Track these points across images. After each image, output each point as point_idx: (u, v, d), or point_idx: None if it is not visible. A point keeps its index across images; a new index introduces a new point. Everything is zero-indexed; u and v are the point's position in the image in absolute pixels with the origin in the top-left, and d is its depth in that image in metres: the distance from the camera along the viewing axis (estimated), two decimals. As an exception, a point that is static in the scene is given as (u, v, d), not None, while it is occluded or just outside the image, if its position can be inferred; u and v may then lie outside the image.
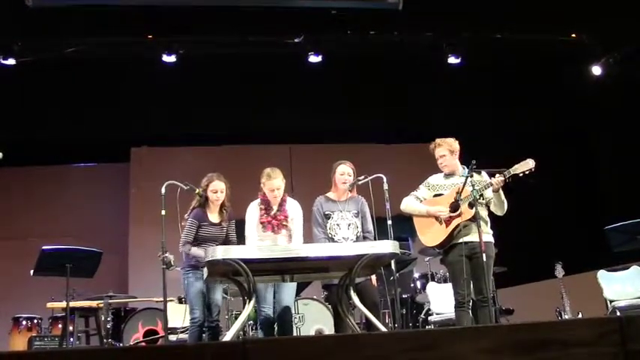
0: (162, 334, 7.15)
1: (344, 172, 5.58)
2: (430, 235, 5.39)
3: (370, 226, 5.60)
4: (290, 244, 5.39)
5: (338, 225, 5.51)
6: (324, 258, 4.86)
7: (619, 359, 2.35)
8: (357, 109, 10.35)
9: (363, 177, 5.53)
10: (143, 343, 7.20)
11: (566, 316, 6.91)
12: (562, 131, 10.68)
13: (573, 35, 9.13)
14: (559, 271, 7.12)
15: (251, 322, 6.60)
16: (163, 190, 5.52)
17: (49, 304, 7.54)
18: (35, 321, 7.82)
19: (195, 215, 5.53)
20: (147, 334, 7.38)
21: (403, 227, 6.05)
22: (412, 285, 8.06)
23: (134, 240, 10.29)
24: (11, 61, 8.44)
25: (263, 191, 5.55)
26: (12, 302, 8.73)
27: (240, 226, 5.66)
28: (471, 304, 5.26)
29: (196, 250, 5.39)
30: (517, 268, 7.96)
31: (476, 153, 5.32)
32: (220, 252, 4.69)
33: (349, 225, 5.52)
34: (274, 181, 5.48)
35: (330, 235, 5.47)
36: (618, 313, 6.43)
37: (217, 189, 5.55)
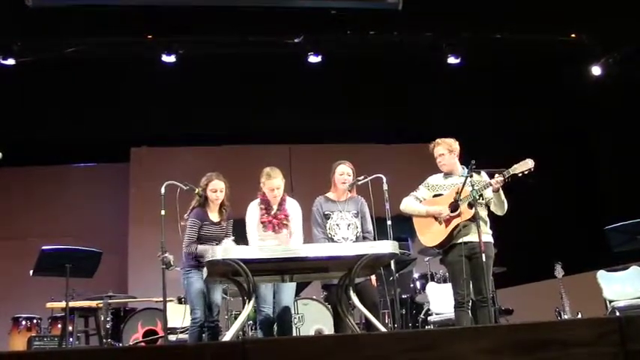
0: (161, 334, 7.15)
1: (343, 172, 5.58)
2: (430, 235, 5.39)
3: (370, 227, 5.59)
4: (290, 245, 5.39)
5: (337, 225, 5.51)
6: (324, 258, 4.86)
7: (619, 359, 2.35)
8: (357, 109, 10.35)
9: (362, 177, 5.53)
10: (143, 343, 7.20)
11: (566, 317, 6.91)
12: (562, 131, 10.68)
13: (573, 35, 9.14)
14: (559, 271, 7.12)
15: (250, 322, 6.60)
16: (163, 190, 5.52)
17: (49, 304, 7.54)
18: (35, 321, 7.82)
19: (197, 215, 5.53)
20: (146, 334, 7.38)
21: (403, 227, 6.05)
22: (412, 285, 8.07)
23: (134, 240, 10.29)
24: (11, 61, 8.44)
25: (262, 191, 5.55)
26: (11, 302, 8.73)
27: (239, 225, 5.66)
28: (470, 304, 5.26)
29: (202, 247, 5.39)
30: (517, 268, 7.96)
31: (476, 153, 5.32)
32: (220, 252, 4.69)
33: (349, 225, 5.52)
34: (274, 181, 5.48)
35: (329, 235, 5.47)
36: (618, 314, 6.43)
37: (217, 188, 5.55)
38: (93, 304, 7.41)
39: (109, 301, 7.42)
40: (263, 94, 9.89)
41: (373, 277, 5.57)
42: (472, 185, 5.11)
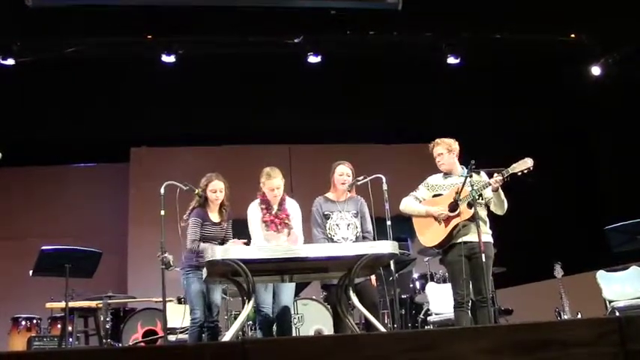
0: (161, 334, 7.15)
1: (343, 172, 5.58)
2: (429, 235, 5.39)
3: (369, 227, 5.59)
4: (289, 245, 5.38)
5: (337, 225, 5.51)
6: (324, 258, 4.86)
7: (619, 359, 2.35)
8: (357, 109, 10.35)
9: (362, 177, 5.53)
10: (142, 344, 7.20)
11: (566, 317, 6.91)
12: (562, 131, 10.68)
13: (573, 35, 9.14)
14: (558, 271, 7.12)
15: (250, 322, 6.59)
16: (163, 191, 5.51)
17: (48, 305, 7.53)
18: (34, 321, 7.81)
19: (197, 214, 5.54)
20: (146, 334, 7.38)
21: (402, 228, 6.05)
22: (411, 285, 8.06)
23: (133, 240, 10.29)
24: (11, 61, 8.44)
25: (262, 191, 5.55)
26: (11, 302, 8.72)
27: (239, 225, 5.65)
28: (470, 304, 5.26)
29: (205, 245, 5.39)
30: (516, 268, 7.96)
31: (476, 153, 5.32)
32: (220, 252, 4.69)
33: (348, 225, 5.52)
34: (274, 181, 5.48)
35: (329, 236, 5.47)
36: (617, 314, 6.42)
37: (217, 188, 5.55)
38: (92, 304, 7.41)
39: (109, 301, 7.41)
40: (263, 94, 9.90)
41: (373, 278, 5.56)
42: (471, 185, 5.11)
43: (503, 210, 5.32)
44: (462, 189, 5.19)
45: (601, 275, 6.85)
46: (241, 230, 5.60)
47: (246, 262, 4.69)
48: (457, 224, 5.22)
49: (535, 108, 10.27)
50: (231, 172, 6.32)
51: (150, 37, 8.72)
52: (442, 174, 5.52)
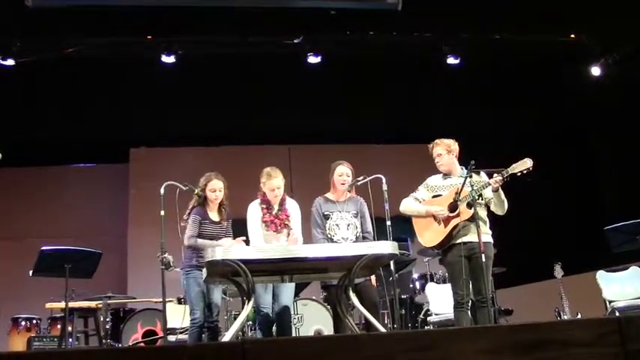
0: (161, 334, 7.14)
1: (342, 172, 5.58)
2: (429, 235, 5.39)
3: (369, 227, 5.59)
4: (289, 245, 5.38)
5: (337, 225, 5.51)
6: (323, 258, 4.86)
7: (619, 359, 2.35)
8: (357, 109, 10.36)
9: (362, 177, 5.53)
10: (142, 344, 7.20)
11: (565, 317, 6.91)
12: (562, 131, 10.68)
13: (573, 36, 9.14)
14: (558, 271, 7.12)
15: (250, 322, 6.59)
16: (162, 191, 5.51)
17: (48, 305, 7.53)
18: (34, 321, 7.81)
19: (197, 212, 5.55)
20: (146, 334, 7.37)
21: (402, 228, 6.05)
22: (411, 285, 8.06)
23: (133, 240, 10.28)
24: (10, 62, 8.44)
25: (263, 191, 5.56)
26: (11, 303, 8.71)
27: (238, 225, 5.65)
28: (470, 304, 5.26)
29: (203, 241, 5.40)
30: (516, 268, 7.96)
31: (476, 153, 5.32)
32: (219, 252, 4.69)
33: (348, 225, 5.51)
34: (274, 181, 5.48)
35: (329, 236, 5.47)
36: (617, 314, 6.43)
37: (216, 188, 5.55)
38: (92, 304, 7.41)
39: (109, 301, 7.41)
40: (263, 94, 9.90)
41: (373, 278, 5.56)
42: (471, 185, 5.12)
43: (503, 210, 5.32)
44: (461, 189, 5.20)
45: (601, 275, 6.85)
46: (241, 230, 5.60)
47: (246, 262, 4.69)
48: (457, 224, 5.22)
49: (535, 108, 10.28)
50: (231, 172, 6.31)
51: (150, 37, 8.72)
52: (442, 174, 5.52)
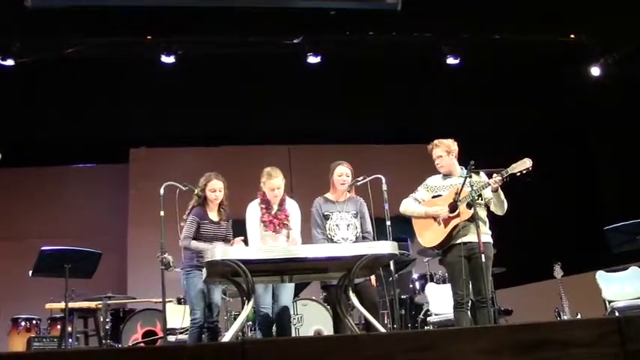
0: (161, 334, 7.14)
1: (342, 172, 5.58)
2: (429, 235, 5.39)
3: (369, 227, 5.60)
4: (289, 245, 5.38)
5: (337, 225, 5.51)
6: (323, 258, 4.86)
7: (619, 359, 2.35)
8: (357, 110, 10.35)
9: (361, 178, 5.53)
10: (142, 344, 7.20)
11: (565, 317, 6.91)
12: (562, 131, 10.68)
13: (572, 36, 9.14)
14: (558, 271, 7.12)
15: (250, 322, 6.59)
16: (162, 191, 5.51)
17: (48, 305, 7.53)
18: (34, 322, 7.80)
19: (196, 213, 5.54)
20: (146, 334, 7.37)
21: (402, 228, 6.05)
22: (411, 286, 8.06)
23: (133, 241, 10.28)
24: (10, 62, 8.43)
25: (263, 191, 5.56)
26: (11, 303, 8.70)
27: (238, 226, 5.65)
28: (469, 304, 5.26)
29: (197, 243, 5.40)
30: (516, 268, 7.96)
31: (476, 153, 5.32)
32: (219, 253, 4.69)
33: (348, 225, 5.51)
34: (274, 181, 5.48)
35: (329, 236, 5.47)
36: (617, 314, 6.42)
37: (216, 188, 5.55)
38: (92, 304, 7.40)
39: (109, 301, 7.40)
40: (262, 94, 9.90)
41: (372, 278, 5.56)
42: (471, 185, 5.12)
43: (503, 210, 5.32)
44: (461, 189, 5.20)
45: (600, 275, 6.84)
46: (241, 230, 5.60)
47: (245, 262, 4.69)
48: (457, 225, 5.22)
49: (535, 108, 10.27)
50: (231, 172, 6.31)
51: (149, 37, 8.72)
52: (441, 175, 5.51)
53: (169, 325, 6.51)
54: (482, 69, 9.78)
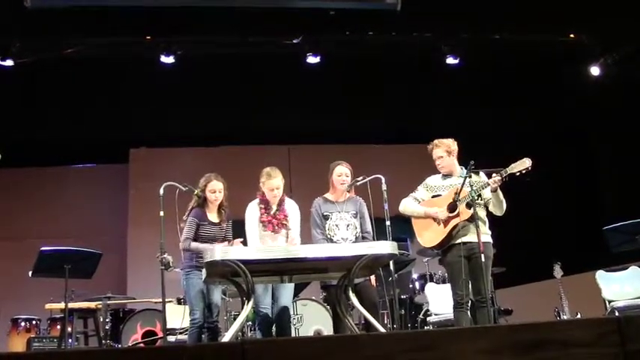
0: (160, 335, 7.14)
1: (341, 172, 5.58)
2: (428, 235, 5.39)
3: (369, 227, 5.59)
4: (289, 245, 5.38)
5: (337, 226, 5.50)
6: (323, 259, 4.86)
7: (619, 359, 2.35)
8: (357, 110, 10.35)
9: (361, 178, 5.52)
10: (142, 344, 7.19)
11: (565, 317, 6.91)
12: (562, 131, 10.68)
13: (572, 35, 9.14)
14: (558, 271, 7.12)
15: (249, 322, 6.59)
16: (162, 191, 5.51)
17: (48, 305, 7.53)
18: (34, 322, 7.80)
19: (195, 214, 5.54)
20: (145, 335, 7.36)
21: (402, 228, 6.05)
22: (411, 286, 8.06)
23: (133, 241, 10.28)
24: (9, 62, 8.43)
25: (262, 191, 5.55)
26: (11, 303, 8.71)
27: (237, 226, 5.65)
28: (469, 304, 5.26)
29: (197, 244, 5.40)
30: (516, 268, 7.96)
31: (476, 153, 5.32)
32: (219, 253, 4.69)
33: (348, 225, 5.51)
34: (274, 181, 5.48)
35: (329, 236, 5.47)
36: (617, 314, 6.42)
37: (216, 189, 5.55)
38: (92, 305, 7.40)
39: (108, 302, 7.40)
40: (262, 94, 9.90)
41: (372, 278, 5.56)
42: (470, 185, 5.12)
43: (502, 211, 5.32)
44: (461, 189, 5.20)
45: (600, 275, 6.84)
46: (240, 231, 5.60)
47: (245, 262, 4.68)
48: (456, 225, 5.22)
49: (535, 108, 10.27)
50: (231, 172, 6.32)
51: (149, 37, 8.72)
52: (441, 175, 5.51)
53: (169, 326, 6.51)
54: (483, 69, 9.78)
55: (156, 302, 7.12)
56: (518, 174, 5.07)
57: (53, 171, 10.88)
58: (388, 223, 5.44)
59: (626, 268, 6.89)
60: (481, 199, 5.29)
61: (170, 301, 6.93)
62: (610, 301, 6.66)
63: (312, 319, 7.01)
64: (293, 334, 6.24)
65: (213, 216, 5.60)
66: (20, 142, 9.46)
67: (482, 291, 5.12)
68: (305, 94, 9.96)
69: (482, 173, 5.31)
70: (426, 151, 5.55)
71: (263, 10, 8.28)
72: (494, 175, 5.15)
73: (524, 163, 5.07)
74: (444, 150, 5.45)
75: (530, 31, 8.84)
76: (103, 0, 8.03)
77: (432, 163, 5.52)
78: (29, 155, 10.09)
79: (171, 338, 6.75)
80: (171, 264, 5.48)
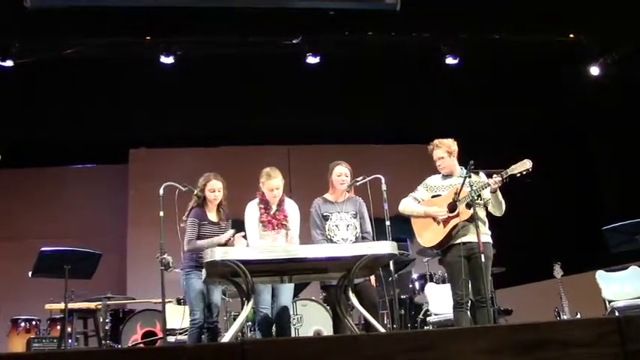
0: (160, 335, 7.13)
1: (341, 173, 5.58)
2: (428, 235, 5.39)
3: (368, 227, 5.59)
4: (289, 245, 5.38)
5: (337, 226, 5.50)
6: (323, 259, 4.86)
7: (619, 359, 2.35)
8: (356, 110, 10.35)
9: (361, 178, 5.52)
10: (141, 345, 7.19)
11: (565, 317, 6.91)
12: (562, 131, 10.68)
13: (571, 35, 9.14)
14: (557, 271, 7.12)
15: (249, 323, 6.59)
16: (161, 192, 5.51)
17: (48, 306, 7.53)
18: (34, 322, 7.80)
19: (195, 214, 5.54)
20: (145, 335, 7.36)
21: (402, 228, 6.05)
22: (411, 286, 8.06)
23: (132, 241, 10.28)
24: (9, 63, 8.43)
25: (262, 191, 5.55)
26: (10, 304, 8.71)
27: (237, 226, 5.65)
28: (469, 304, 5.26)
29: (202, 241, 5.40)
30: (516, 268, 7.95)
31: (475, 153, 5.32)
32: (219, 253, 4.69)
33: (348, 226, 5.51)
34: (274, 181, 5.48)
35: (329, 237, 5.46)
36: (617, 314, 6.42)
37: (215, 188, 5.55)
38: (92, 305, 7.40)
39: (108, 302, 7.40)
40: (261, 94, 9.90)
41: (372, 278, 5.56)
42: (470, 186, 5.12)
43: (501, 211, 5.32)
44: (460, 189, 5.20)
45: (600, 275, 6.84)
46: (240, 231, 5.59)
47: (245, 262, 4.68)
48: (456, 225, 5.22)
49: (535, 108, 10.27)
50: (230, 173, 6.31)
51: (149, 38, 8.72)
52: (441, 175, 5.51)
53: (169, 326, 6.51)
54: (482, 69, 9.79)
55: (156, 302, 7.12)
56: (518, 175, 5.08)
57: (53, 171, 10.88)
58: (388, 223, 5.43)
59: (626, 268, 6.89)
60: (481, 200, 5.29)
61: (170, 302, 6.93)
62: (610, 301, 6.66)
63: (312, 319, 7.01)
64: (293, 335, 6.24)
65: (212, 215, 5.60)
66: (20, 142, 9.46)
67: (482, 291, 5.12)
68: (305, 95, 9.95)
69: (482, 173, 5.31)
70: (426, 151, 5.55)
71: (262, 11, 8.28)
72: (494, 175, 5.15)
73: (525, 165, 5.07)
74: (445, 151, 5.45)
75: (529, 31, 8.85)
76: (103, 0, 8.03)
77: (432, 163, 5.52)
78: (29, 155, 10.09)
79: (170, 339, 6.75)
80: (170, 264, 5.48)
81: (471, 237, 5.17)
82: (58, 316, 7.63)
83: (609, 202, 10.12)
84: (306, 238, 5.63)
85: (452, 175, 5.45)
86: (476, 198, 5.15)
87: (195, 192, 5.56)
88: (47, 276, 6.57)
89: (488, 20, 8.60)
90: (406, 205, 5.48)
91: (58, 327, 7.52)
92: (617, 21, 8.31)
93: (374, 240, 5.47)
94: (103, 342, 7.20)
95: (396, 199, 5.49)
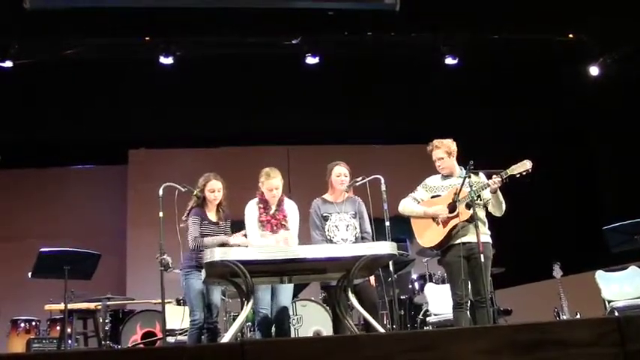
0: (160, 335, 7.13)
1: (340, 173, 5.57)
2: (428, 236, 5.39)
3: (368, 227, 5.59)
4: (288, 246, 5.38)
5: (336, 227, 5.50)
6: (322, 259, 4.86)
7: (618, 359, 2.35)
8: (356, 110, 10.35)
9: (360, 178, 5.52)
10: (141, 345, 7.19)
11: (565, 317, 6.91)
12: (562, 131, 10.67)
13: (571, 35, 9.14)
14: (557, 271, 7.12)
15: (249, 323, 6.59)
16: (161, 192, 5.51)
17: (47, 306, 7.53)
18: (33, 323, 7.80)
19: (195, 213, 5.55)
20: (145, 335, 7.36)
21: (401, 228, 6.04)
22: (410, 286, 8.05)
23: (132, 242, 10.28)
24: (9, 64, 8.42)
25: (261, 191, 5.55)
26: (10, 304, 8.70)
27: (236, 226, 5.65)
28: (469, 304, 5.25)
29: (208, 239, 5.40)
30: (515, 268, 7.95)
31: (475, 153, 5.32)
32: (218, 253, 4.69)
33: (347, 226, 5.51)
34: (273, 181, 5.48)
35: (328, 237, 5.46)
36: (616, 314, 6.42)
37: (215, 188, 5.55)
38: (91, 306, 7.40)
39: (108, 303, 7.40)
40: (261, 95, 9.89)
41: (372, 278, 5.56)
42: (470, 186, 5.11)
43: (501, 211, 5.31)
44: (460, 190, 5.19)
45: (600, 275, 6.84)
46: (239, 231, 5.60)
47: (244, 263, 4.68)
48: (456, 225, 5.22)
49: (535, 108, 10.27)
50: (230, 173, 6.31)
51: (148, 38, 8.71)
52: (440, 175, 5.51)
53: (169, 326, 6.51)
54: (482, 69, 9.78)
55: (155, 303, 7.13)
56: (518, 175, 5.08)
57: (53, 172, 10.89)
58: (387, 223, 5.43)
59: (626, 268, 6.89)
60: (480, 200, 5.29)
61: (169, 302, 6.93)
62: (610, 301, 6.66)
63: (312, 319, 7.01)
64: (292, 335, 6.24)
65: (212, 215, 5.61)
66: (20, 142, 9.47)
67: (481, 291, 5.12)
68: (304, 95, 9.95)
69: (481, 174, 5.31)
70: (426, 152, 5.55)
71: (262, 11, 8.28)
72: (494, 176, 5.15)
73: (525, 165, 5.07)
74: (445, 151, 5.44)
75: (529, 31, 8.84)
76: (103, 1, 8.03)
77: (432, 163, 5.52)
78: (29, 156, 10.09)
79: (170, 339, 6.75)
80: (170, 265, 5.48)
81: (470, 237, 5.17)
82: (57, 317, 7.63)
83: (609, 202, 10.12)
84: (305, 238, 5.62)
85: (451, 176, 5.45)
86: (475, 198, 5.14)
87: (195, 192, 5.56)
88: (47, 276, 6.57)
89: (488, 20, 8.59)
90: (406, 206, 5.48)
91: (58, 327, 7.52)
92: (617, 21, 8.30)
93: (373, 240, 5.47)
94: (103, 342, 7.20)
95: (396, 199, 5.49)
